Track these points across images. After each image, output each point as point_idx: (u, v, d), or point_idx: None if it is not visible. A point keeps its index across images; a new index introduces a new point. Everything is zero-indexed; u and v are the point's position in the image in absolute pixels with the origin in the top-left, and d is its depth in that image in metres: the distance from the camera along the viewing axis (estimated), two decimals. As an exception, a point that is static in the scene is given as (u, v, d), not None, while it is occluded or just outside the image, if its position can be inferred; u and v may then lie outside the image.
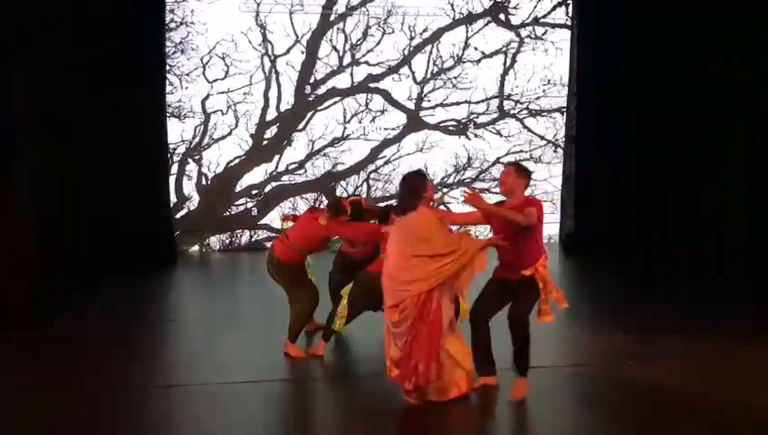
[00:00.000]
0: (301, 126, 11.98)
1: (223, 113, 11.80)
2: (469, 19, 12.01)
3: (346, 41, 11.89)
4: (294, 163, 12.02)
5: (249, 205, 12.05)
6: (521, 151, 12.18)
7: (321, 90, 11.95)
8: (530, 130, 12.25)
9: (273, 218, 11.90)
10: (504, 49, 12.12)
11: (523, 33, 12.10)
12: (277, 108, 11.89)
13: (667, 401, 5.06)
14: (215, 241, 12.09)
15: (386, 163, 12.12)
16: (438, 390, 4.96)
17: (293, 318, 6.17)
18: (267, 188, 12.01)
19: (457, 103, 12.16)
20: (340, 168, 12.10)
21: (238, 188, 11.96)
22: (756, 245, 8.56)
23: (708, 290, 8.59)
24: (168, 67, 11.28)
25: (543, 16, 12.11)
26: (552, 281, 5.16)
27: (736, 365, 5.83)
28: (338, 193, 11.57)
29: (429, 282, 4.84)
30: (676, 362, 5.86)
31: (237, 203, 12.02)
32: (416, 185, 5.06)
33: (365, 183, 12.03)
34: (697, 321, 7.13)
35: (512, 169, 5.34)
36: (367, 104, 12.06)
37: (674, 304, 7.97)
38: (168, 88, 11.32)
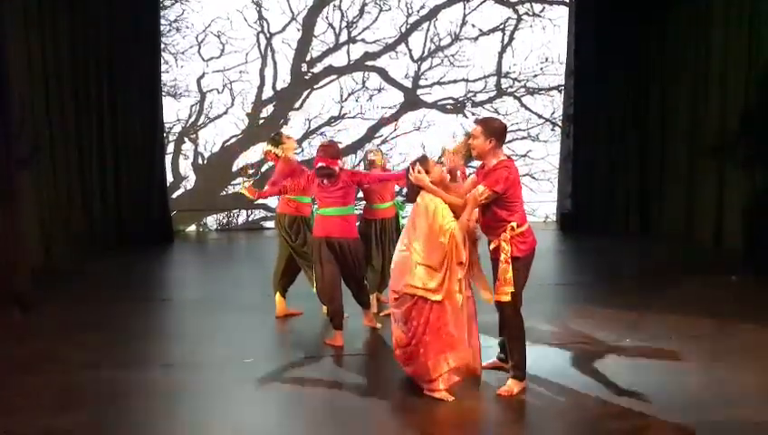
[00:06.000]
0: (297, 104, 11.91)
1: (219, 92, 11.74)
2: (467, -4, 11.91)
3: (342, 18, 11.79)
4: (291, 142, 11.95)
5: (246, 184, 11.98)
6: (518, 130, 12.13)
7: (318, 68, 11.88)
8: (527, 109, 12.18)
9: (270, 199, 11.83)
10: (502, 26, 12.03)
11: (521, 10, 12.00)
12: (273, 86, 11.82)
13: (663, 376, 5.07)
14: (211, 221, 12.07)
15: (383, 142, 12.07)
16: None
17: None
18: (264, 168, 11.97)
19: (455, 81, 12.08)
20: (336, 147, 12.03)
21: (235, 168, 11.93)
22: (754, 222, 8.55)
23: (705, 267, 8.59)
24: (163, 45, 11.20)
25: (541, -7, 12.01)
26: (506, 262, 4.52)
27: (734, 343, 5.83)
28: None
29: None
30: (672, 340, 5.86)
31: (234, 182, 11.98)
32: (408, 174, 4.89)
33: (362, 162, 11.95)
34: (694, 298, 7.13)
35: (478, 129, 4.63)
36: (364, 83, 11.98)
37: (671, 282, 7.96)
38: (164, 67, 11.25)
